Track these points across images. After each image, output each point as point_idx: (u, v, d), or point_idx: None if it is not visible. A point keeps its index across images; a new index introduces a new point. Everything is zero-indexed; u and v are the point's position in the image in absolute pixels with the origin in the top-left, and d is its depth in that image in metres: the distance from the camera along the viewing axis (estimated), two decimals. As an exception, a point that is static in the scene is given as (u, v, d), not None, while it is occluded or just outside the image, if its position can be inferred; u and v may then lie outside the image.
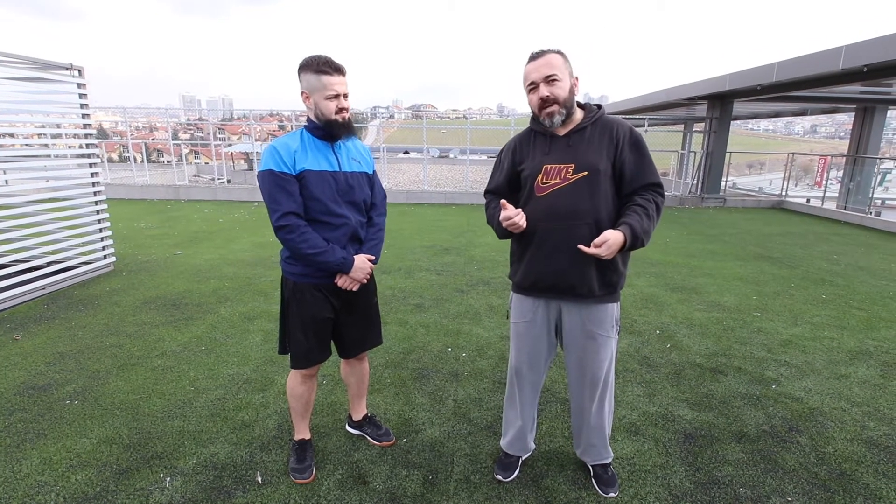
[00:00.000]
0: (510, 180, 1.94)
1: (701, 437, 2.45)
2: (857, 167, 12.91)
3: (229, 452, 2.27)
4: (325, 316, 2.01)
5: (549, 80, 1.73)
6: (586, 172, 1.75)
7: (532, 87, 1.77)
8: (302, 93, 1.87)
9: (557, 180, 1.78)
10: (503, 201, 1.81)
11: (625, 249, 1.70)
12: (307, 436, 2.23)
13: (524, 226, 1.78)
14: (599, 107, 1.87)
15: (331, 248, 1.88)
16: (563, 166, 1.78)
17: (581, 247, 1.69)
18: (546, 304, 1.93)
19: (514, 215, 1.75)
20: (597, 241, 1.66)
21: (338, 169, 1.92)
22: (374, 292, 2.21)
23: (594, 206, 1.75)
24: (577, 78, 1.81)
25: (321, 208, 1.88)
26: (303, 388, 2.12)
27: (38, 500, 1.96)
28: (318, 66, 1.80)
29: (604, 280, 1.83)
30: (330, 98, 1.83)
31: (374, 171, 2.11)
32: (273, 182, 1.82)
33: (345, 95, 1.86)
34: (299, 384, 2.11)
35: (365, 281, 2.01)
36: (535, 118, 1.91)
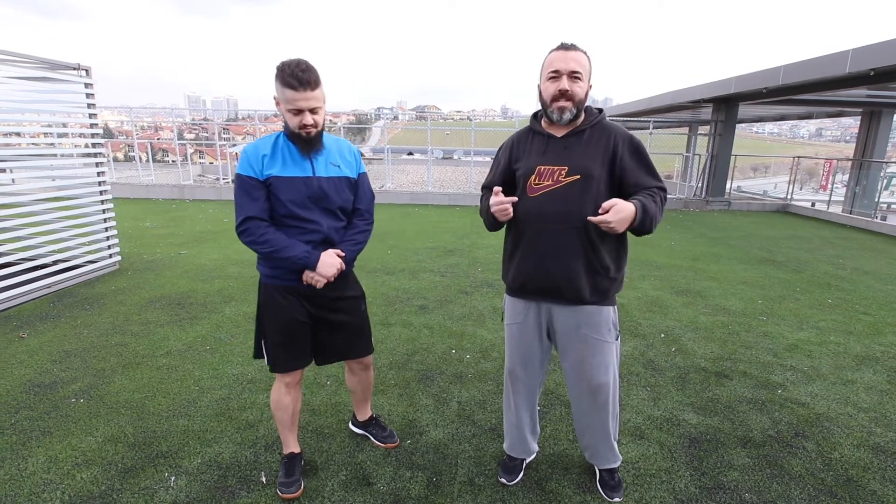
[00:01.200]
0: (505, 177, 1.94)
1: (706, 442, 2.44)
2: (863, 171, 12.85)
3: (234, 452, 2.28)
4: (299, 320, 1.94)
5: (573, 75, 1.71)
6: (579, 176, 1.74)
7: (554, 75, 1.73)
8: (274, 97, 1.79)
9: (550, 182, 1.77)
10: (497, 188, 1.80)
11: (634, 225, 1.65)
12: (296, 449, 2.15)
13: (511, 213, 1.78)
14: (600, 111, 1.85)
15: (292, 243, 1.81)
16: (556, 168, 1.77)
17: (590, 218, 1.63)
18: (537, 307, 1.92)
19: (504, 200, 1.75)
20: (605, 204, 1.60)
21: (311, 174, 1.84)
22: (361, 298, 2.12)
23: (584, 210, 1.72)
24: (591, 85, 1.80)
25: (289, 213, 1.83)
26: (288, 399, 2.03)
27: (44, 498, 1.96)
28: (284, 77, 1.68)
29: (594, 286, 1.80)
30: (293, 112, 1.74)
31: (360, 175, 2.00)
32: (239, 186, 1.80)
33: (312, 110, 1.75)
34: (284, 394, 2.03)
35: (331, 278, 1.89)
36: (535, 117, 1.91)
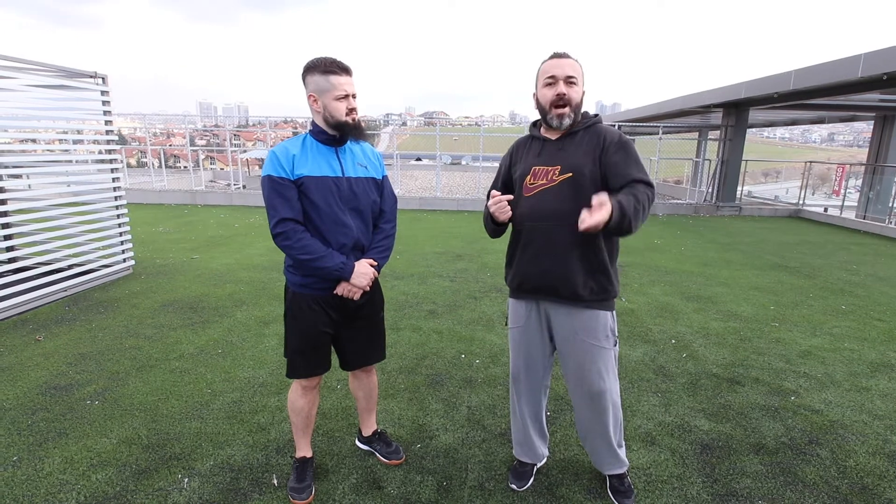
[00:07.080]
0: (505, 182, 2.00)
1: (718, 449, 2.42)
2: (876, 176, 12.70)
3: (245, 455, 2.30)
4: (323, 330, 1.94)
5: (569, 80, 1.76)
6: (571, 174, 1.77)
7: (551, 81, 1.77)
8: (309, 96, 1.81)
9: (544, 181, 1.81)
10: (494, 192, 1.84)
11: (610, 224, 1.54)
12: (308, 454, 2.15)
13: (510, 212, 1.81)
14: (596, 115, 1.90)
15: (329, 253, 1.81)
16: (550, 168, 1.81)
17: (583, 216, 1.52)
18: (537, 308, 1.95)
19: (501, 198, 1.78)
20: (601, 197, 1.51)
21: (341, 174, 1.86)
22: (380, 306, 2.13)
23: (577, 207, 1.68)
24: (584, 91, 1.84)
25: (322, 215, 1.82)
26: (303, 402, 2.04)
27: (60, 499, 1.99)
28: (326, 67, 1.75)
29: (589, 283, 1.80)
30: (339, 99, 1.78)
31: (384, 177, 2.04)
32: (271, 188, 1.78)
33: (353, 96, 1.82)
34: (300, 397, 2.04)
35: (367, 288, 1.91)
36: (534, 123, 1.97)
